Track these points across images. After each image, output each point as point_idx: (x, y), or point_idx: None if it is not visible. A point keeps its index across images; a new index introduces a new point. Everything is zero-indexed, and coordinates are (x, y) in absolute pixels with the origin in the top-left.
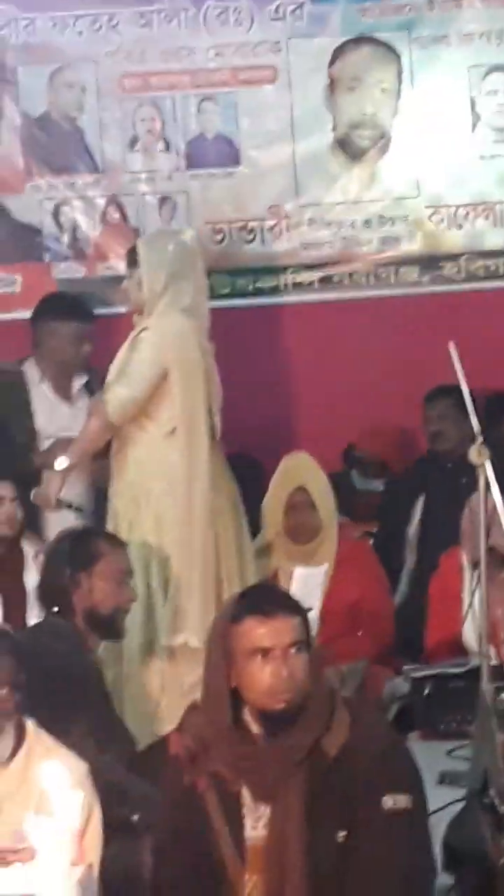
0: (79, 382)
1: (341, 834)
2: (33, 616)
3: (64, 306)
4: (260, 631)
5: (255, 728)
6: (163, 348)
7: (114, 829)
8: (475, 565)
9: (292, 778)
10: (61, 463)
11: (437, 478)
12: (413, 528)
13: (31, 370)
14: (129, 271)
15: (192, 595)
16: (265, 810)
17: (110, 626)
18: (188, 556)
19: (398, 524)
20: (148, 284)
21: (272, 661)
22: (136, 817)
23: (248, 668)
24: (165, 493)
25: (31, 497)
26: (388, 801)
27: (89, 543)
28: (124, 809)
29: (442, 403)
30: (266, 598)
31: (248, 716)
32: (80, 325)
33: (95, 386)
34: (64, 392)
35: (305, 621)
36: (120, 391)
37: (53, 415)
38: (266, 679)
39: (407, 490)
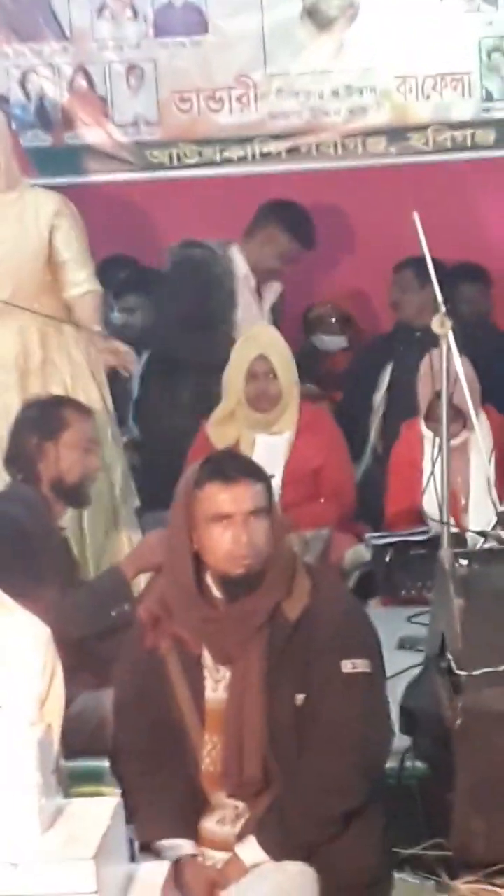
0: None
1: (300, 696)
2: None
3: (297, 223)
4: (221, 496)
5: (216, 593)
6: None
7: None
8: (436, 433)
9: (252, 641)
10: None
11: (404, 347)
12: (379, 397)
13: (238, 259)
14: None
15: None
16: (225, 673)
17: (76, 495)
18: None
19: (364, 392)
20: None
21: (232, 527)
22: (114, 612)
23: (209, 532)
24: None
25: None
26: (347, 665)
27: (56, 412)
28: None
29: (408, 274)
30: (229, 465)
31: (210, 580)
32: (301, 249)
33: None
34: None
35: (268, 488)
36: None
37: (249, 313)
38: (226, 544)
39: (374, 358)
